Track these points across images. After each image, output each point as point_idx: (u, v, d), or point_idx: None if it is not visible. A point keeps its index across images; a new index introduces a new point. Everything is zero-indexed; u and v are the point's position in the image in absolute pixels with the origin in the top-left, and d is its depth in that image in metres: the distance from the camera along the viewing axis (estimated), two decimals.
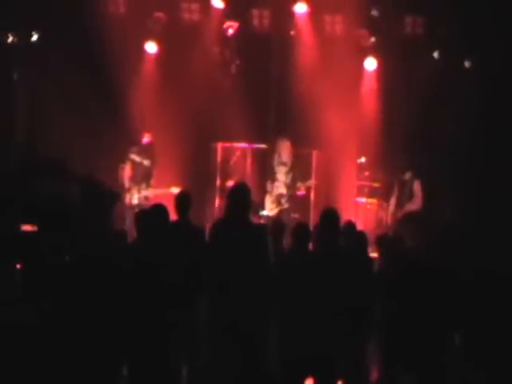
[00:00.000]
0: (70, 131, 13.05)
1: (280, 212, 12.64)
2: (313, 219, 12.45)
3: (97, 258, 6.83)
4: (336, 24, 13.55)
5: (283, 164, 12.72)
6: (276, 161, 12.78)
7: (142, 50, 13.96)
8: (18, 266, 7.41)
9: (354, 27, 13.52)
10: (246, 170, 14.18)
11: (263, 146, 14.14)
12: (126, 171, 12.92)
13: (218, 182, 14.08)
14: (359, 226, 9.76)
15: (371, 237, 9.06)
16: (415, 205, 12.43)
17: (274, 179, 12.77)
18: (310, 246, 7.24)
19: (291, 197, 12.70)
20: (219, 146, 14.31)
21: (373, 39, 13.57)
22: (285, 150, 12.73)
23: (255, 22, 13.72)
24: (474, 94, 13.10)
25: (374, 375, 7.97)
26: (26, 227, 8.44)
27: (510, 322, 7.25)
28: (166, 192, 12.21)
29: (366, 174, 14.06)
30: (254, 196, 8.74)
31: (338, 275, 6.76)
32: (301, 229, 7.20)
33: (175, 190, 11.64)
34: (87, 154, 13.18)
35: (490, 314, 7.26)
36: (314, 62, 13.52)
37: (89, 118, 13.27)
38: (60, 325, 6.69)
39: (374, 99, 13.85)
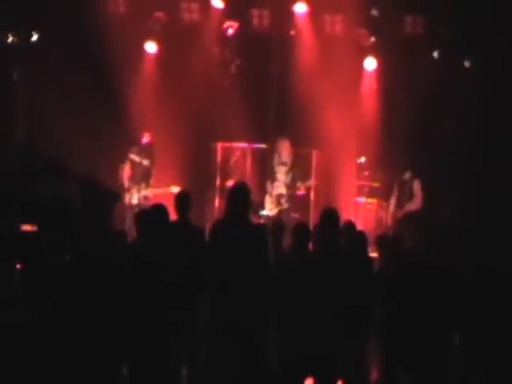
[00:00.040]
0: (70, 131, 13.05)
1: (280, 212, 12.64)
2: (313, 219, 12.44)
3: (97, 257, 6.83)
4: (336, 24, 13.54)
5: (283, 164, 12.72)
6: (276, 161, 12.78)
7: (141, 50, 13.95)
8: (18, 266, 7.40)
9: (354, 27, 13.52)
10: (246, 170, 14.17)
11: (263, 145, 14.13)
12: (126, 171, 12.93)
13: (218, 181, 14.06)
14: (359, 226, 9.75)
15: (371, 237, 9.06)
16: (415, 205, 12.42)
17: (273, 179, 12.76)
18: (310, 245, 7.24)
19: (291, 197, 12.70)
20: (219, 145, 14.29)
21: (373, 39, 13.57)
22: (285, 149, 12.73)
23: (255, 21, 13.71)
24: (474, 94, 13.10)
25: (374, 375, 7.96)
26: (26, 227, 8.43)
27: (510, 322, 7.25)
28: (165, 192, 12.21)
29: (366, 173, 14.04)
30: (254, 196, 8.74)
31: (338, 275, 6.76)
32: (301, 229, 7.20)
33: (175, 190, 11.65)
34: (87, 153, 13.18)
35: (489, 314, 7.26)
36: (313, 62, 13.52)
37: (89, 118, 13.27)
38: (60, 325, 6.69)
39: (373, 99, 13.85)
